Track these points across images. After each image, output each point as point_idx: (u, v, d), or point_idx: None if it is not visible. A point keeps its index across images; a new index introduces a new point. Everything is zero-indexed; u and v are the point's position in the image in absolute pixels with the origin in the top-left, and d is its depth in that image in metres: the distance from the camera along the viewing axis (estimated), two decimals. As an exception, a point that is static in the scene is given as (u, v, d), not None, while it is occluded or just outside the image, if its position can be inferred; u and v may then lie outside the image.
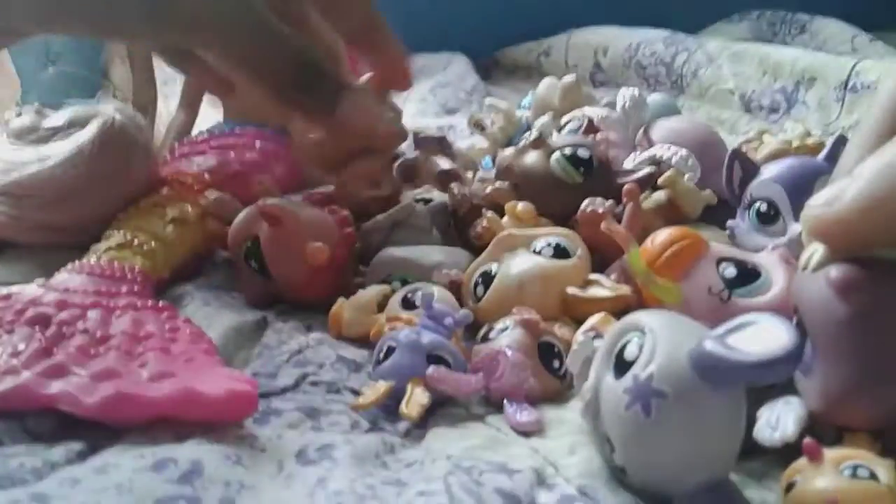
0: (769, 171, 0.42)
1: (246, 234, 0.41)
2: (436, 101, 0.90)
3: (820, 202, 0.25)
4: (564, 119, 0.57)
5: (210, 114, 0.66)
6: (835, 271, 0.24)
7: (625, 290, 0.38)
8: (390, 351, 0.33)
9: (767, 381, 0.26)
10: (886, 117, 0.26)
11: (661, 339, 0.26)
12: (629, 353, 0.27)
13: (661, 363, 0.26)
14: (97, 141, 0.45)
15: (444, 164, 0.54)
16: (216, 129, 0.60)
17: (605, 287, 0.39)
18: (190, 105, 0.65)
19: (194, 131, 0.63)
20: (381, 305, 0.39)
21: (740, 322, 0.26)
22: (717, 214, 0.46)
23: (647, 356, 0.26)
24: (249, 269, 0.41)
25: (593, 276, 0.40)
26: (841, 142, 0.43)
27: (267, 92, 0.41)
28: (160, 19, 0.35)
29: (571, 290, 0.39)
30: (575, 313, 0.38)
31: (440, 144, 0.55)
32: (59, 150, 0.45)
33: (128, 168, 0.46)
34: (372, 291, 0.39)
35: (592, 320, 0.33)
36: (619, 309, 0.35)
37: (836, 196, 0.24)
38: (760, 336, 0.25)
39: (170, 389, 0.29)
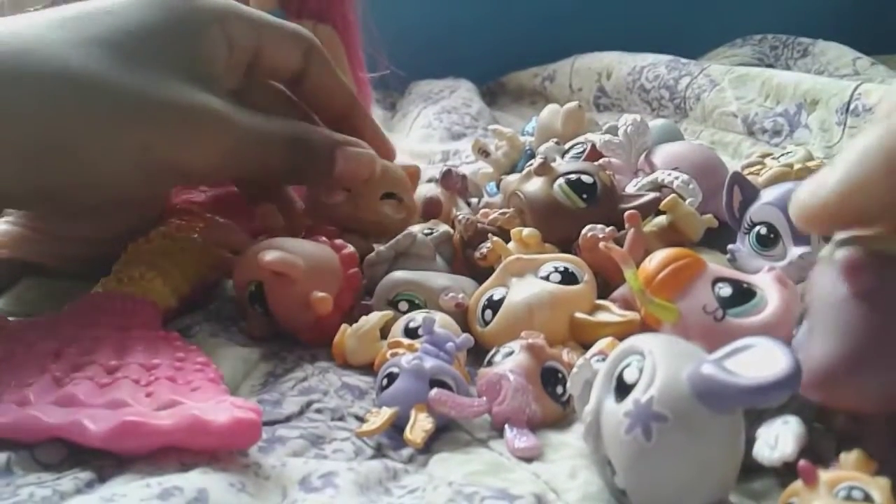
0: (768, 195, 0.42)
1: (250, 277, 0.41)
2: (441, 127, 0.91)
3: (805, 191, 0.26)
4: (568, 145, 0.58)
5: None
6: (843, 252, 0.25)
7: (633, 315, 0.38)
8: (393, 377, 0.34)
9: (766, 404, 0.26)
10: None
11: (660, 362, 0.27)
12: (629, 376, 0.27)
13: (660, 387, 0.26)
14: None
15: (463, 206, 0.54)
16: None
17: (613, 312, 0.39)
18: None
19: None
20: (385, 332, 0.39)
21: (739, 345, 0.26)
22: (719, 238, 0.46)
23: (647, 380, 0.26)
24: (254, 311, 0.42)
25: (601, 302, 0.40)
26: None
27: (270, 182, 0.48)
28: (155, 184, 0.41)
29: (580, 314, 0.39)
30: (583, 338, 0.39)
31: (464, 182, 0.56)
32: None
33: None
34: (374, 318, 0.39)
35: (600, 344, 0.34)
36: (627, 334, 0.35)
37: (819, 184, 0.26)
38: (758, 359, 0.25)
39: (176, 419, 0.29)
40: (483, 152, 0.64)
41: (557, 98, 0.98)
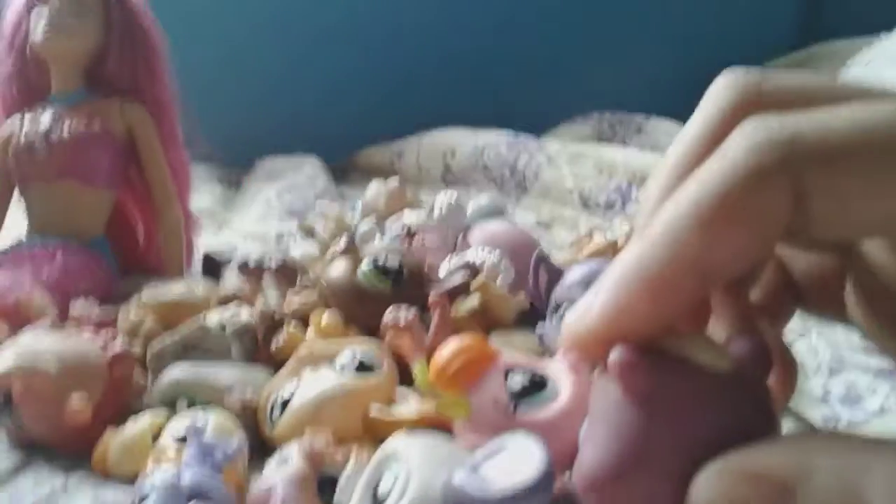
0: (573, 275, 0.41)
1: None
2: (280, 205, 0.88)
3: (573, 318, 0.24)
4: (388, 222, 0.56)
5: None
6: (615, 354, 0.23)
7: (430, 408, 0.36)
8: (144, 498, 0.30)
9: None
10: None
11: (415, 471, 0.24)
12: (383, 487, 0.25)
13: (412, 499, 0.24)
14: None
15: (271, 296, 0.49)
16: (19, 243, 0.56)
17: (409, 405, 0.37)
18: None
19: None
20: (158, 436, 0.35)
21: (495, 447, 0.24)
22: (536, 318, 0.45)
23: (399, 492, 0.24)
24: (7, 423, 0.37)
25: (403, 390, 0.38)
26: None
27: None
28: None
29: (374, 411, 0.36)
30: (379, 434, 0.36)
31: (281, 272, 0.50)
32: None
33: None
34: (143, 423, 0.35)
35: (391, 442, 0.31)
36: (425, 427, 0.33)
37: (585, 310, 0.23)
38: (514, 461, 0.24)
39: None
40: (309, 232, 0.62)
41: (407, 174, 0.97)
